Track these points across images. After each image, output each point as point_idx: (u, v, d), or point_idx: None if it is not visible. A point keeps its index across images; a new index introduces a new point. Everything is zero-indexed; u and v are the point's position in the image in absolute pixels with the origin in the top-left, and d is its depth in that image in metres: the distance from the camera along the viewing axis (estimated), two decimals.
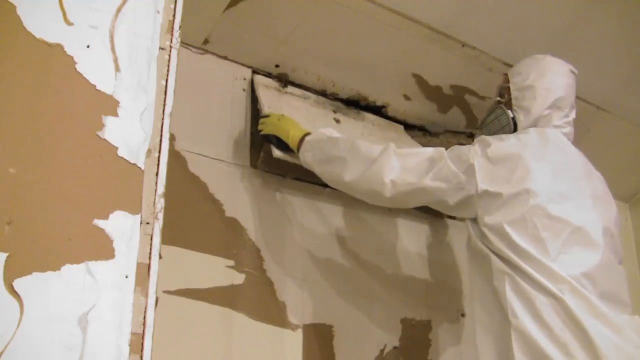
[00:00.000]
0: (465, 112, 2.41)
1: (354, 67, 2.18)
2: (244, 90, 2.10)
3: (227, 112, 2.04)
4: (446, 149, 1.72)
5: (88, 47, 1.07)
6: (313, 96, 2.20)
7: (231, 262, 1.86)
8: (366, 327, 2.03)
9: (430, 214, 2.22)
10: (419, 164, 1.69)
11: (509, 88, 1.83)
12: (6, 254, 0.91)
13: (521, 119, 1.77)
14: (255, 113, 2.04)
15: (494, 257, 1.57)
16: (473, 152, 1.66)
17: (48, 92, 1.02)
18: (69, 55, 1.05)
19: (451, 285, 2.26)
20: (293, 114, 2.01)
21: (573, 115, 1.80)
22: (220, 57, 2.09)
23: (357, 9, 2.00)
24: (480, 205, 1.62)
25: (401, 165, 1.69)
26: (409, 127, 2.37)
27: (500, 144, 1.67)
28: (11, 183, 0.94)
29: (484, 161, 1.64)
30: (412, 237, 2.24)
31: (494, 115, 1.84)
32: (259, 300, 1.87)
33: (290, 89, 2.15)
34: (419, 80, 2.27)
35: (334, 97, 2.24)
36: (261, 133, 1.92)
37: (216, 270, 1.83)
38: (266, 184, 2.02)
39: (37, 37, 1.04)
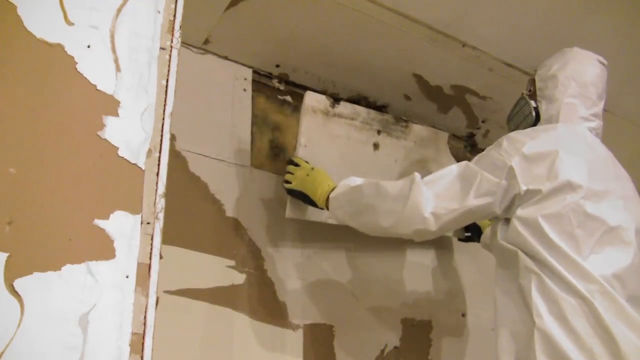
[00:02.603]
0: (465, 112, 2.41)
1: (355, 67, 2.18)
2: (244, 90, 2.10)
3: (227, 112, 2.04)
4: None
5: (88, 47, 1.07)
6: (363, 112, 2.13)
7: (231, 262, 1.86)
8: (366, 327, 2.03)
9: None
10: (451, 186, 1.62)
11: (534, 80, 1.83)
12: (7, 254, 0.91)
13: (543, 108, 1.76)
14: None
15: (521, 254, 1.53)
16: (505, 153, 1.61)
17: (48, 92, 1.02)
18: (69, 55, 1.05)
19: (452, 285, 2.26)
20: (331, 147, 2.00)
21: (601, 106, 1.77)
22: (221, 57, 2.09)
23: (357, 9, 1.99)
24: (518, 203, 1.58)
25: (434, 193, 1.61)
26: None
27: (534, 142, 1.61)
28: (11, 183, 0.95)
29: (521, 160, 1.58)
30: None
31: (519, 106, 1.84)
32: (259, 300, 1.87)
33: (341, 107, 2.07)
34: (420, 80, 2.27)
35: (384, 110, 2.21)
36: (286, 186, 1.87)
37: (216, 270, 1.83)
38: (267, 183, 2.02)
39: (38, 37, 1.04)
